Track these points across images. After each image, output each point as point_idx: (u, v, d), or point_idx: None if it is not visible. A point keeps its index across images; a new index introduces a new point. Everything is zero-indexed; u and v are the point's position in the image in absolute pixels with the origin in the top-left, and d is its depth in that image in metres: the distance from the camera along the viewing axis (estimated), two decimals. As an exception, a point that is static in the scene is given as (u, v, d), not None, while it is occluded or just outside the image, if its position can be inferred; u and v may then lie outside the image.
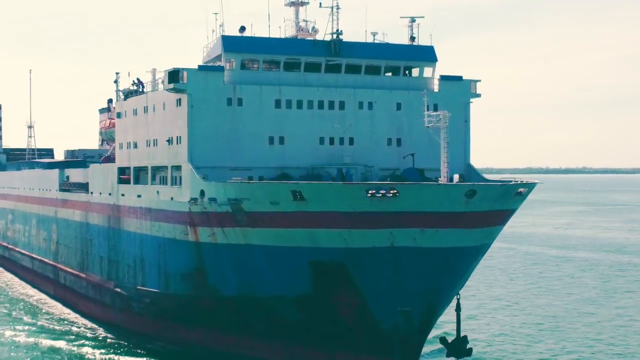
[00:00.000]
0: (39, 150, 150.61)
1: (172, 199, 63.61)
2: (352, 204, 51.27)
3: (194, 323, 65.23)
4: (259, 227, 55.48)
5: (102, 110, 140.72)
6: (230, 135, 62.35)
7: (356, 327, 55.60)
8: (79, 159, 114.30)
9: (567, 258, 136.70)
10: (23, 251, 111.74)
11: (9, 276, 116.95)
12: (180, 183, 62.75)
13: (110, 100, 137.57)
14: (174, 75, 61.45)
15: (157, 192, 66.48)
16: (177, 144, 63.36)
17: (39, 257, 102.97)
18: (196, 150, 61.54)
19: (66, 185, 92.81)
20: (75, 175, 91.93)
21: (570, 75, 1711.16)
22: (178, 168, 63.40)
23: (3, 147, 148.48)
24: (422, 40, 68.32)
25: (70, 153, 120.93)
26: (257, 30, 67.32)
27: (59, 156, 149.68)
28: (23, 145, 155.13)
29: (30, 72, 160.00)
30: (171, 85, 61.69)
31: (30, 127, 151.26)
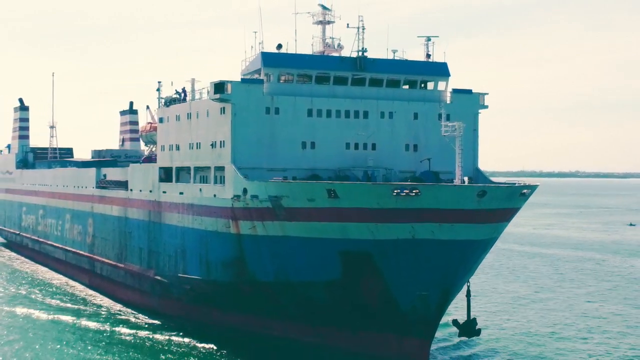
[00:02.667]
0: (60, 149, 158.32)
1: (215, 195, 71.70)
2: (379, 201, 59.48)
3: (230, 307, 73.19)
4: (296, 220, 63.59)
5: (123, 112, 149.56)
6: (268, 140, 70.57)
7: (379, 309, 63.57)
8: (106, 158, 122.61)
9: (534, 253, 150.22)
10: (56, 244, 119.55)
11: (41, 268, 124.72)
12: (223, 182, 70.86)
13: (132, 103, 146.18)
14: (219, 87, 69.78)
15: (200, 189, 74.60)
16: (220, 147, 71.53)
17: (73, 250, 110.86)
18: (238, 153, 69.69)
19: (103, 183, 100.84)
20: (113, 173, 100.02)
21: (565, 79, 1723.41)
22: (221, 169, 71.54)
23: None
24: (437, 57, 76.71)
25: (98, 153, 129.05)
26: (281, 42, 75.55)
27: (78, 155, 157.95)
28: (41, 144, 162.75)
29: (53, 75, 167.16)
30: (217, 96, 69.94)
31: (52, 127, 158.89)
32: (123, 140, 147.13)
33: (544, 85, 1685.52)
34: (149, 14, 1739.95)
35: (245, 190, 66.81)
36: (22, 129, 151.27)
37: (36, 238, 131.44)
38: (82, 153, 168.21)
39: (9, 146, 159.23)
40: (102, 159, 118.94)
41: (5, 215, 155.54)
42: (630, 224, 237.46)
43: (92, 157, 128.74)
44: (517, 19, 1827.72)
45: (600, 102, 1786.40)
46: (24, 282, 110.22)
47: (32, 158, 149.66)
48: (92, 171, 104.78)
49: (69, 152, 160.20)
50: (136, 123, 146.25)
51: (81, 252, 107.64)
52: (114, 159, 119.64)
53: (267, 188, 64.65)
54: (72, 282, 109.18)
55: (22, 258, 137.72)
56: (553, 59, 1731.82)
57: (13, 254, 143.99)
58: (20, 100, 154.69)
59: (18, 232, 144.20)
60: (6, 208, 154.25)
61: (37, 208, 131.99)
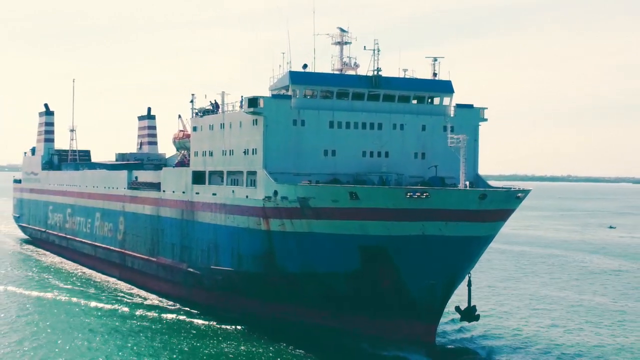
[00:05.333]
0: (79, 151, 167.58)
1: (247, 197, 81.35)
2: (394, 202, 69.23)
3: (259, 295, 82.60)
4: (321, 219, 73.18)
5: (141, 118, 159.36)
6: (295, 148, 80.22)
7: (392, 296, 73.14)
8: (131, 161, 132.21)
9: (503, 250, 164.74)
10: (85, 240, 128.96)
11: (70, 262, 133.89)
12: (255, 184, 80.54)
13: (150, 109, 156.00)
14: (253, 102, 79.60)
15: (233, 191, 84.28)
16: (252, 154, 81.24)
17: (103, 245, 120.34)
18: (269, 159, 79.36)
19: (135, 184, 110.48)
20: (144, 176, 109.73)
21: (558, 84, 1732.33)
22: (253, 173, 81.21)
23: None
24: (442, 75, 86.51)
25: (122, 156, 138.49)
26: (303, 57, 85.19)
27: (95, 156, 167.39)
28: (59, 147, 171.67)
29: (73, 81, 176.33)
30: (251, 109, 79.74)
31: (72, 130, 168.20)
32: (141, 144, 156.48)
33: (538, 89, 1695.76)
34: (149, 14, 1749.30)
35: (276, 192, 76.41)
36: (48, 132, 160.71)
37: (63, 235, 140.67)
38: (97, 154, 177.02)
39: (33, 149, 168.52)
40: (131, 162, 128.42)
41: (29, 213, 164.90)
42: (611, 227, 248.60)
43: (116, 160, 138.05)
44: (507, 25, 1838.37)
45: (592, 107, 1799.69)
46: (57, 274, 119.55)
47: (57, 160, 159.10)
48: (124, 173, 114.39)
49: (86, 154, 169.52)
50: (154, 128, 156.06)
51: (112, 247, 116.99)
52: (139, 161, 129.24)
53: (296, 190, 74.31)
54: (102, 275, 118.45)
55: (49, 253, 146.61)
56: (549, 63, 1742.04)
57: (40, 250, 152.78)
58: (46, 105, 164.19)
59: (44, 230, 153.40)
60: (31, 207, 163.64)
61: (65, 207, 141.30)
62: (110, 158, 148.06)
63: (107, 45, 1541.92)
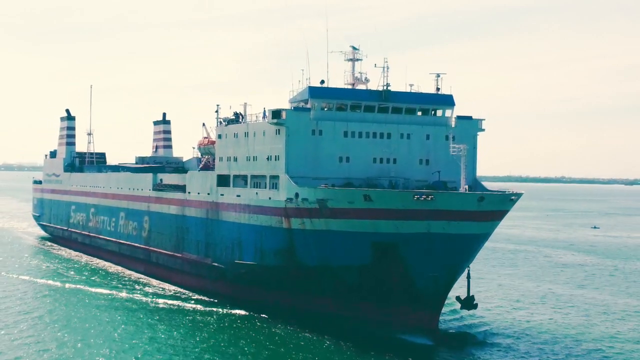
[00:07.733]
0: (96, 154, 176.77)
1: (269, 198, 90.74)
2: (403, 203, 78.58)
3: (279, 287, 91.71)
4: (338, 218, 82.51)
5: (156, 122, 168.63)
6: (313, 155, 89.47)
7: (399, 287, 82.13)
8: (150, 164, 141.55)
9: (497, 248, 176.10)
10: (109, 238, 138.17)
11: (94, 259, 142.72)
12: (277, 187, 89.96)
13: (165, 114, 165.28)
14: (276, 114, 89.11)
15: (257, 193, 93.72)
16: (275, 160, 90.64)
17: (128, 243, 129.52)
18: (290, 165, 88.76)
19: (160, 186, 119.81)
20: (169, 178, 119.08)
21: (554, 86, 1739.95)
22: (275, 177, 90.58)
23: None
24: (444, 90, 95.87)
25: (141, 159, 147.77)
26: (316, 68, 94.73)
27: (111, 160, 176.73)
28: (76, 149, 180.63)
29: (91, 87, 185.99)
30: (274, 120, 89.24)
31: (89, 134, 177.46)
32: (157, 148, 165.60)
33: (533, 91, 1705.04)
34: (148, 14, 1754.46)
35: (297, 194, 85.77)
36: (69, 136, 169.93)
37: (87, 233, 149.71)
38: (111, 156, 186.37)
39: (52, 152, 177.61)
40: (152, 165, 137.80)
41: (51, 213, 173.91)
42: (595, 227, 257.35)
43: (136, 163, 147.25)
44: (503, 27, 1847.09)
45: (587, 109, 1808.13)
46: (82, 268, 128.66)
47: (78, 162, 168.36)
48: (149, 176, 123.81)
49: (102, 156, 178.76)
50: (169, 132, 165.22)
51: (137, 244, 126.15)
52: (160, 164, 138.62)
53: (316, 193, 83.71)
54: (127, 270, 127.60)
55: (71, 250, 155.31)
56: (545, 65, 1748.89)
57: (62, 247, 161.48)
58: (67, 111, 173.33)
59: (66, 228, 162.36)
60: (52, 207, 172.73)
61: (88, 207, 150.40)
62: (123, 160, 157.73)
63: (108, 45, 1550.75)
